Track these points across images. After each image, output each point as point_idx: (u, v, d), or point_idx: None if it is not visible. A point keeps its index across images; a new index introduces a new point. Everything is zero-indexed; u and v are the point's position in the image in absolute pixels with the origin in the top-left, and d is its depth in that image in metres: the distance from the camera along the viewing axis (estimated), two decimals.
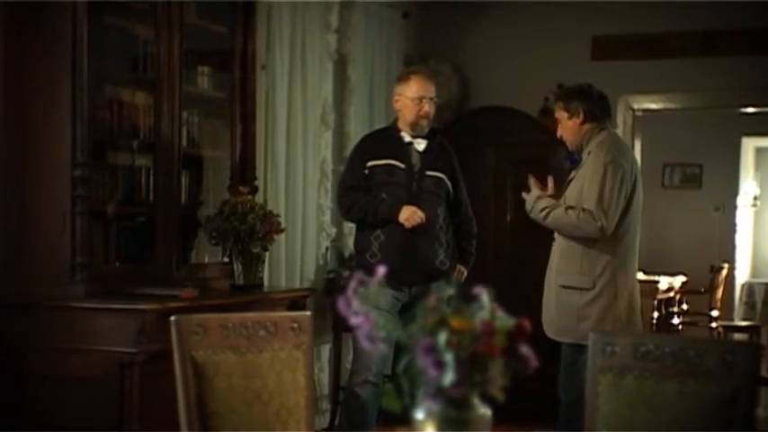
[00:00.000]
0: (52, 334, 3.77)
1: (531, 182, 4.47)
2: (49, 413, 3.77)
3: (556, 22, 6.81)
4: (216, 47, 4.87)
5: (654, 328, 8.64)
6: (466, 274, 4.78)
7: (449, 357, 1.57)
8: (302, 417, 2.44)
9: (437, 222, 4.62)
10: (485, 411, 1.68)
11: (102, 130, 4.13)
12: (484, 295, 1.71)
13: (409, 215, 4.48)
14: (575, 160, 4.48)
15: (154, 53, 4.30)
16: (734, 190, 10.69)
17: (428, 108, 4.67)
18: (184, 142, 4.50)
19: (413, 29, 6.93)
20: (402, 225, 4.49)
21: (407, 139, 4.69)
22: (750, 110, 8.72)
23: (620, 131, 6.76)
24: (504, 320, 1.65)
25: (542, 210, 4.32)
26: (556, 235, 4.40)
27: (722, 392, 2.13)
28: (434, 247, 4.59)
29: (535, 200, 4.36)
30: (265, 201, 4.78)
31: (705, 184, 10.67)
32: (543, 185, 4.48)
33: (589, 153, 4.32)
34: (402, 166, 4.62)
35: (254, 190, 4.79)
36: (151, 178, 4.32)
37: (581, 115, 4.34)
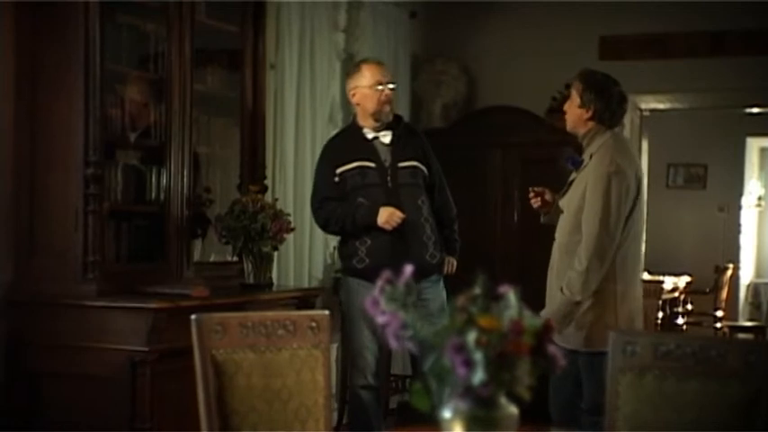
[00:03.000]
0: (64, 332, 3.78)
1: (534, 195, 4.38)
2: (60, 411, 3.77)
3: (563, 22, 6.81)
4: (226, 46, 4.87)
5: (658, 328, 8.64)
6: (455, 264, 4.65)
7: (478, 356, 1.57)
8: (321, 416, 2.44)
9: (421, 215, 4.45)
10: (512, 410, 1.68)
11: (113, 128, 4.12)
12: (510, 294, 1.71)
13: (387, 217, 4.32)
14: (576, 162, 4.33)
15: (164, 52, 4.29)
16: (738, 190, 10.69)
17: (389, 92, 4.48)
18: (194, 141, 4.50)
19: (420, 28, 6.94)
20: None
21: (370, 135, 4.52)
22: (755, 110, 8.72)
23: (627, 131, 6.76)
24: (532, 319, 1.65)
25: (568, 311, 4.05)
26: (557, 234, 4.29)
27: (744, 393, 2.12)
28: (423, 242, 4.43)
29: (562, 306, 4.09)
30: (276, 200, 4.77)
31: (709, 184, 10.67)
32: (542, 197, 4.37)
33: (591, 156, 4.16)
34: (372, 165, 4.45)
35: (264, 189, 4.78)
36: (161, 177, 4.32)
37: (590, 111, 4.13)
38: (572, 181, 4.25)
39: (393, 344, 1.68)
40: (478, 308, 1.67)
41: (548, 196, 4.40)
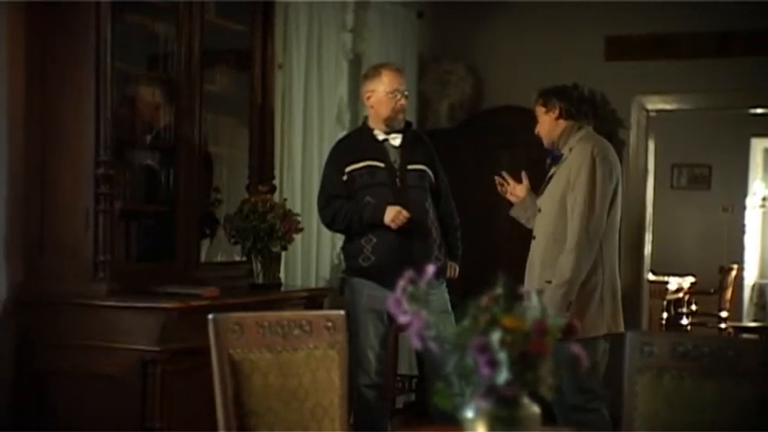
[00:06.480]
0: (74, 331, 3.77)
1: (507, 179, 4.62)
2: (70, 411, 3.77)
3: (570, 23, 6.82)
4: (234, 46, 4.87)
5: (663, 328, 8.65)
6: (458, 269, 4.69)
7: (503, 356, 1.57)
8: (336, 415, 2.44)
9: (427, 218, 4.49)
10: (535, 410, 1.68)
11: (123, 128, 4.12)
12: (533, 294, 1.71)
13: (394, 216, 4.34)
14: (556, 157, 4.45)
15: (174, 51, 4.29)
16: (743, 191, 10.68)
17: (403, 101, 4.55)
18: (203, 140, 4.50)
19: (427, 28, 6.95)
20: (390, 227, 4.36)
21: (381, 136, 4.55)
22: (759, 111, 8.72)
23: (633, 132, 6.78)
24: (555, 319, 1.65)
25: (562, 292, 4.15)
26: (535, 233, 4.40)
27: (761, 393, 2.13)
28: (429, 244, 4.47)
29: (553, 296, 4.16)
30: (285, 200, 4.78)
31: (714, 184, 10.66)
32: (518, 182, 4.61)
33: (570, 150, 4.33)
34: (381, 165, 4.48)
35: (273, 189, 4.78)
36: (171, 177, 4.32)
37: (556, 111, 4.38)
38: (551, 176, 4.35)
39: (416, 344, 1.68)
40: (501, 308, 1.67)
41: (520, 190, 4.60)
